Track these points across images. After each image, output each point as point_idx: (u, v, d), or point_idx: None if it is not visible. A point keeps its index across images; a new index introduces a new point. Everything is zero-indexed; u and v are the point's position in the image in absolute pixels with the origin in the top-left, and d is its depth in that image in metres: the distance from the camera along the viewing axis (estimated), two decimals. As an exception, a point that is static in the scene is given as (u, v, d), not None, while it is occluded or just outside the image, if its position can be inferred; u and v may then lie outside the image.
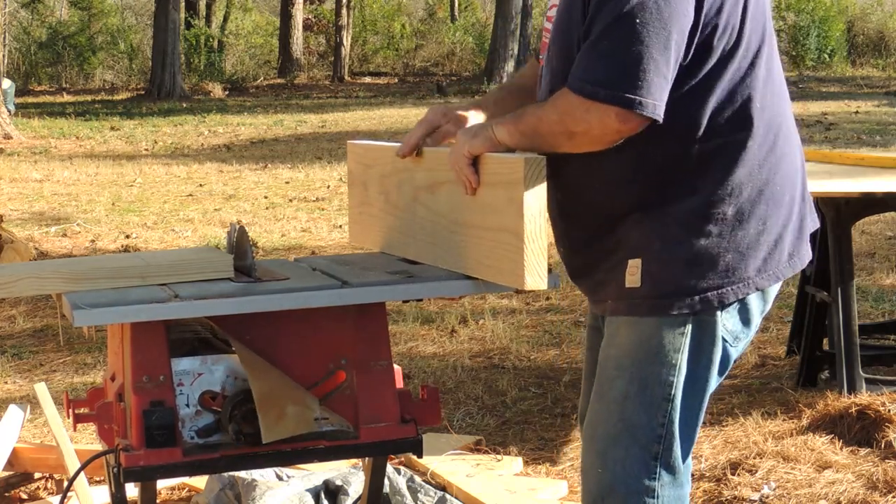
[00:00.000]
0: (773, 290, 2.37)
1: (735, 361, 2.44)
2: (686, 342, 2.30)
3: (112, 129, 19.18)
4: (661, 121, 2.15)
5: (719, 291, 2.27)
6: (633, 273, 2.29)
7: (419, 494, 3.63)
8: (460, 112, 2.56)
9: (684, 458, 2.37)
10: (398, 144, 2.68)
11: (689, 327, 2.29)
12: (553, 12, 2.36)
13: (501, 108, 2.56)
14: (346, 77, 31.73)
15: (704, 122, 2.22)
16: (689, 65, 2.19)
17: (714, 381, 2.36)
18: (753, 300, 2.33)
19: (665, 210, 2.26)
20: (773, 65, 2.31)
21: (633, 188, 2.27)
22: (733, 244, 2.26)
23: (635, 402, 2.31)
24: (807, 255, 2.39)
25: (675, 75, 2.17)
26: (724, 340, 2.33)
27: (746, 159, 2.25)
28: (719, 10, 2.18)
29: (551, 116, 2.21)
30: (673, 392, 2.31)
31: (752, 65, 2.25)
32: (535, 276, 2.25)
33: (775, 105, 2.30)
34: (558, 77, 2.30)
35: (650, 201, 2.27)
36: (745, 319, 2.34)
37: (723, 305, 2.28)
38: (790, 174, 2.34)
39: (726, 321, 2.31)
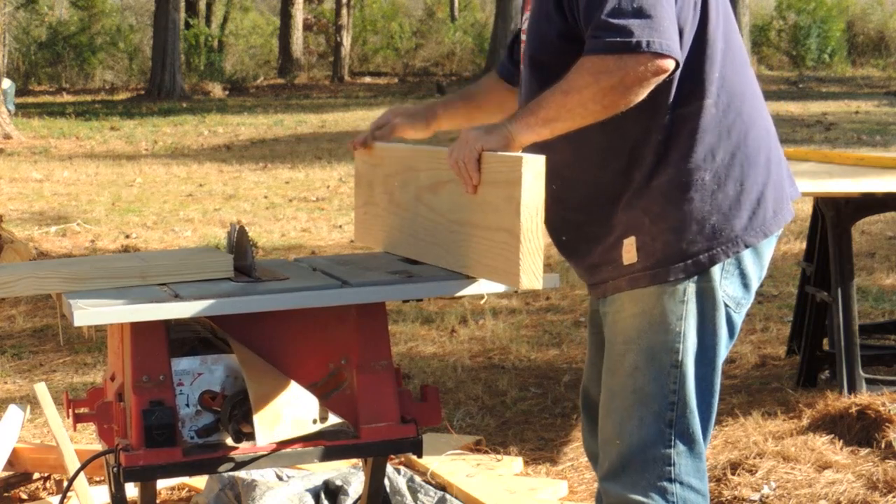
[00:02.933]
0: (767, 253, 2.46)
1: (739, 328, 2.49)
2: (688, 310, 2.38)
3: (112, 129, 19.18)
4: (681, 63, 2.26)
5: (710, 253, 2.37)
6: (629, 250, 2.38)
7: (419, 494, 3.63)
8: (409, 108, 2.79)
9: (704, 430, 2.44)
10: (404, 145, 2.72)
11: (689, 295, 2.38)
12: (527, 25, 2.47)
13: (449, 109, 2.80)
14: (346, 77, 31.72)
15: (672, 92, 2.33)
16: None
17: (723, 348, 2.44)
18: (750, 265, 2.42)
19: (648, 186, 2.35)
20: (731, 37, 2.41)
21: (616, 167, 2.36)
22: (715, 207, 2.36)
23: (645, 373, 2.39)
24: (789, 213, 2.48)
25: None
26: (727, 306, 2.41)
27: (712, 126, 2.36)
28: None
29: (582, 82, 2.25)
30: (680, 359, 2.39)
31: (711, 37, 2.35)
32: (531, 276, 2.26)
33: (737, 74, 2.41)
34: (540, 74, 2.40)
35: (633, 179, 2.36)
36: (745, 284, 2.43)
37: (713, 263, 2.37)
38: (761, 137, 2.44)
39: (727, 287, 2.40)
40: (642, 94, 2.25)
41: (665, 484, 2.40)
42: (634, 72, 2.21)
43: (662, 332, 2.38)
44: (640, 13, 2.21)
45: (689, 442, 2.42)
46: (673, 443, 2.40)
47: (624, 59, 2.21)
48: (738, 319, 2.46)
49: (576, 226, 2.47)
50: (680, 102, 2.33)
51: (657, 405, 2.39)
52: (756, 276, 2.45)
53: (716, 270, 2.38)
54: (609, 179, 2.38)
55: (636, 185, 2.36)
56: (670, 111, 2.33)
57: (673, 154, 2.34)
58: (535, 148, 2.37)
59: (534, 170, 2.24)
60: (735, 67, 2.40)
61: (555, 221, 2.47)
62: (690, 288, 2.37)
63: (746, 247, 2.38)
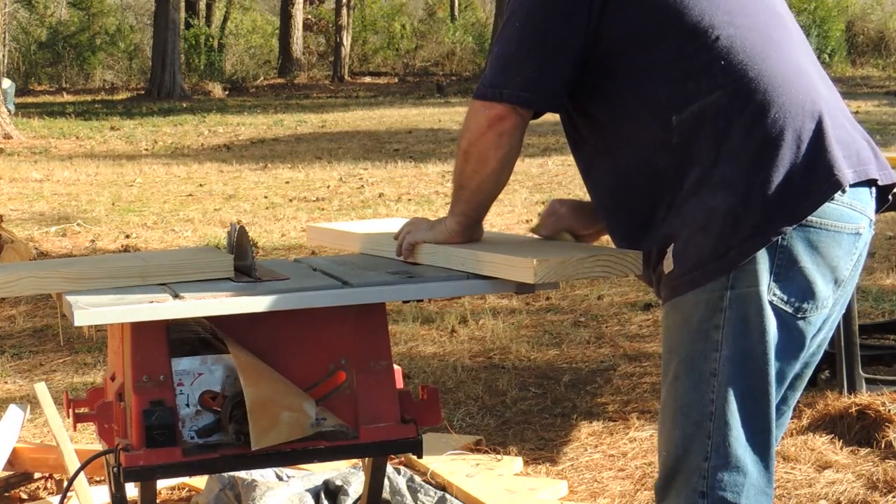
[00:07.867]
0: (832, 250, 2.28)
1: (814, 337, 2.35)
2: (727, 317, 2.26)
3: (112, 129, 19.20)
4: (528, 108, 2.29)
5: (741, 247, 2.23)
6: (668, 258, 2.33)
7: (419, 494, 3.63)
8: (574, 201, 2.71)
9: (753, 443, 2.30)
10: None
11: (727, 301, 2.26)
12: None
13: None
14: (346, 77, 31.75)
15: (670, 95, 2.25)
16: (623, 49, 2.27)
17: (774, 355, 2.28)
18: (808, 264, 2.26)
19: (677, 190, 2.29)
20: (738, 20, 2.27)
21: (644, 177, 2.32)
22: (740, 197, 2.23)
23: (685, 382, 2.32)
24: (833, 188, 2.25)
25: (616, 59, 2.27)
26: (784, 311, 2.27)
27: (724, 116, 2.24)
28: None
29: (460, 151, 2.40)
30: (718, 367, 2.28)
31: (701, 29, 2.25)
32: (545, 271, 2.28)
33: (752, 55, 2.26)
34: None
35: (664, 185, 2.30)
36: (805, 287, 2.27)
37: (745, 256, 2.23)
38: (787, 114, 2.26)
39: (777, 290, 2.26)
40: (498, 142, 2.31)
41: (697, 499, 2.31)
42: (474, 120, 2.30)
43: (700, 341, 2.30)
44: (497, 57, 2.27)
45: (723, 455, 2.29)
46: (708, 455, 2.30)
47: (473, 107, 2.30)
48: (805, 326, 2.31)
49: (626, 238, 2.43)
50: (684, 102, 2.25)
51: (696, 415, 2.30)
52: (819, 275, 2.28)
53: (763, 273, 2.25)
54: (640, 186, 2.34)
55: (667, 198, 2.30)
56: (676, 113, 2.26)
57: (693, 153, 2.26)
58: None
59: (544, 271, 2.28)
60: (748, 51, 2.26)
61: (610, 231, 2.49)
62: (730, 294, 2.26)
63: (773, 237, 2.23)
